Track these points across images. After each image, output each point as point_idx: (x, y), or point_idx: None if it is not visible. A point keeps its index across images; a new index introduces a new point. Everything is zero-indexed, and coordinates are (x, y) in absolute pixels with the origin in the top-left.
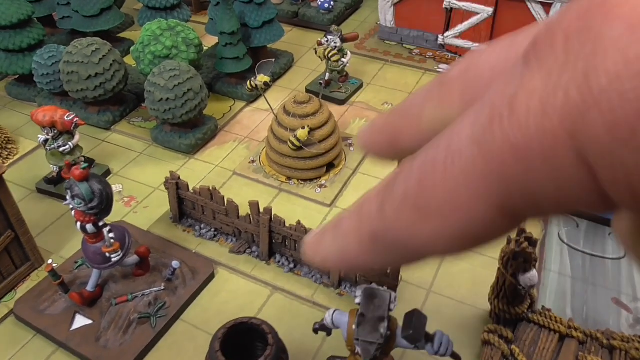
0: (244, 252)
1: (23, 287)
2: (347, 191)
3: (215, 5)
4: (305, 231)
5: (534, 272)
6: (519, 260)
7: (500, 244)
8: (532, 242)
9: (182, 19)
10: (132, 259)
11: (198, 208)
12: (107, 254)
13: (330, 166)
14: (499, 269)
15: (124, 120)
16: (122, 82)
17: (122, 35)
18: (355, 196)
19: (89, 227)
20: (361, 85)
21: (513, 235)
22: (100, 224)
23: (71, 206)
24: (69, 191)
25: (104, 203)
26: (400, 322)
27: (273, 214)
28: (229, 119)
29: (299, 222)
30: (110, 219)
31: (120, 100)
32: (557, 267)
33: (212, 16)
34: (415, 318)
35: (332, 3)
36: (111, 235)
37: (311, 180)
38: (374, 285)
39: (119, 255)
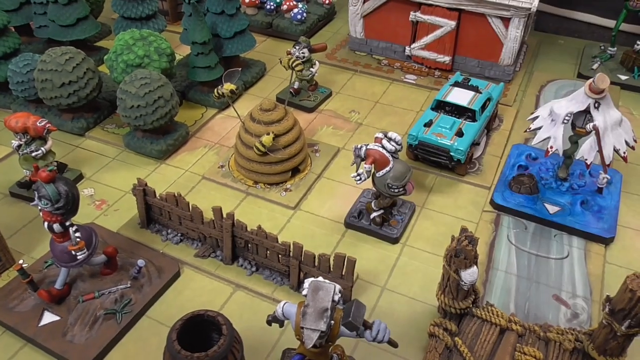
0: (208, 256)
1: None
2: (311, 195)
3: (189, 16)
4: (266, 236)
5: (474, 269)
6: (460, 258)
7: None
8: (472, 240)
9: (157, 28)
10: (100, 258)
11: (165, 214)
12: (73, 252)
13: (295, 171)
14: (443, 266)
15: (97, 127)
16: (96, 90)
17: (98, 44)
18: (319, 199)
19: (56, 226)
20: (330, 94)
21: (456, 234)
22: (67, 223)
23: (39, 207)
24: (36, 192)
25: (70, 204)
26: None
27: (235, 219)
28: (200, 125)
29: (259, 227)
30: (81, 221)
31: (94, 107)
32: (504, 266)
33: (185, 26)
34: (354, 307)
35: (304, 15)
36: (77, 234)
37: (277, 184)
38: (320, 279)
39: (84, 253)
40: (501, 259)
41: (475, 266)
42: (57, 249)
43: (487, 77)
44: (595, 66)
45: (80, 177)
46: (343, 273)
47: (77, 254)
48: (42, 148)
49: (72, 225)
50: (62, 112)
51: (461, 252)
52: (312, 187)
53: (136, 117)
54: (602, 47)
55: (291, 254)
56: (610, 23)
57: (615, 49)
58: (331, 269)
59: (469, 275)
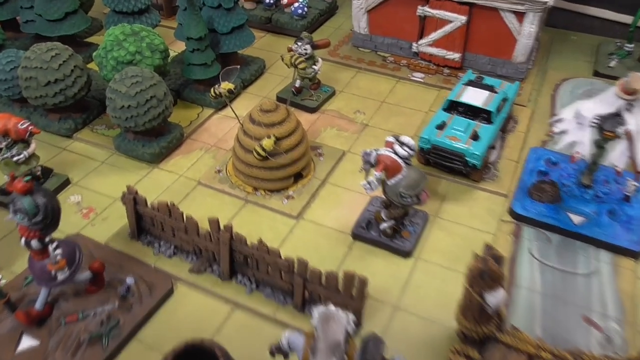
0: (204, 271)
1: None
2: (315, 203)
3: (184, 10)
4: (268, 251)
5: (501, 292)
6: (485, 279)
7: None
8: (499, 260)
9: (150, 23)
10: (85, 275)
11: (157, 224)
12: (53, 272)
13: (298, 176)
14: (465, 287)
15: (86, 128)
16: (84, 89)
17: (89, 40)
18: (323, 207)
19: (34, 243)
20: (333, 93)
21: (480, 252)
22: (47, 239)
23: (15, 221)
24: (11, 205)
25: (49, 218)
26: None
27: (234, 231)
28: (196, 126)
29: (260, 241)
30: (67, 230)
31: (83, 107)
32: (527, 283)
33: (180, 21)
34: (372, 343)
35: (305, 9)
36: (58, 251)
37: (278, 191)
38: (331, 306)
39: (65, 273)
40: (523, 275)
41: (502, 289)
42: (36, 267)
43: (499, 75)
44: (612, 64)
45: (66, 182)
46: (353, 294)
47: (57, 274)
48: (25, 152)
49: (52, 241)
50: (49, 112)
51: (486, 273)
52: (316, 194)
53: (127, 118)
54: (619, 44)
55: (295, 270)
56: (625, 19)
57: (633, 45)
58: (340, 289)
59: (495, 298)
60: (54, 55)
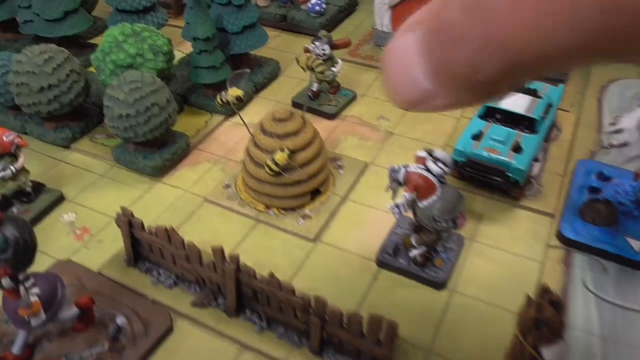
0: (208, 305)
1: None
2: (334, 223)
3: (190, 8)
4: (280, 286)
5: (562, 345)
6: (542, 330)
7: (516, 301)
8: (558, 306)
9: (156, 23)
10: (71, 312)
11: (156, 250)
12: (26, 317)
13: (315, 193)
14: (515, 336)
15: (85, 137)
16: (82, 95)
17: (93, 41)
18: (344, 228)
19: (4, 281)
20: (354, 97)
21: (535, 296)
22: (20, 276)
23: None
24: None
25: (21, 253)
26: None
27: (241, 262)
28: (204, 135)
29: (271, 275)
30: (58, 254)
31: (81, 114)
32: (582, 322)
33: (187, 20)
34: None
35: (323, 5)
36: (34, 290)
37: (293, 209)
38: None
39: (40, 318)
40: (578, 313)
41: (562, 341)
42: (11, 307)
43: None
44: None
45: (60, 198)
46: (380, 338)
47: (30, 319)
48: (11, 167)
49: (27, 278)
50: (44, 120)
51: (543, 323)
52: (335, 213)
53: (125, 128)
54: None
55: (312, 310)
56: None
57: None
58: (364, 333)
59: (554, 353)
60: (47, 59)
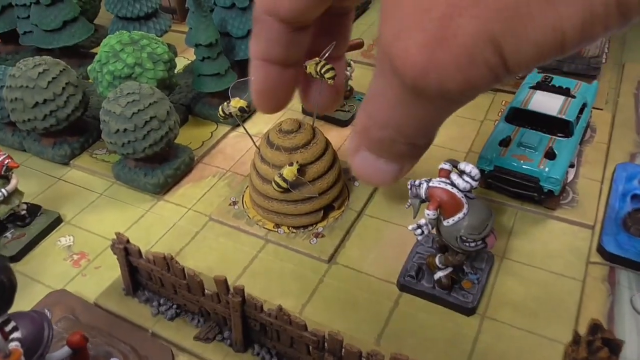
0: (213, 338)
1: None
2: (350, 241)
3: (192, 13)
4: (290, 321)
5: None
6: None
7: (555, 327)
8: (615, 346)
9: (159, 29)
10: (61, 352)
11: (155, 279)
12: None
13: (329, 209)
14: None
15: (85, 153)
16: (79, 108)
17: (95, 50)
18: (360, 248)
19: None
20: None
21: (584, 334)
22: None
23: None
24: None
25: None
26: None
27: (247, 294)
28: (209, 147)
29: (280, 309)
30: (53, 283)
31: (80, 129)
32: (633, 350)
33: (190, 25)
34: None
35: None
36: (15, 335)
37: (305, 227)
38: None
39: None
40: (627, 338)
41: None
42: None
43: (565, 72)
44: None
45: (57, 220)
46: None
47: None
48: (3, 189)
49: (7, 321)
50: (42, 136)
51: None
52: (351, 230)
53: (124, 144)
54: None
55: (326, 346)
56: None
57: None
58: None
59: None
60: (41, 72)
